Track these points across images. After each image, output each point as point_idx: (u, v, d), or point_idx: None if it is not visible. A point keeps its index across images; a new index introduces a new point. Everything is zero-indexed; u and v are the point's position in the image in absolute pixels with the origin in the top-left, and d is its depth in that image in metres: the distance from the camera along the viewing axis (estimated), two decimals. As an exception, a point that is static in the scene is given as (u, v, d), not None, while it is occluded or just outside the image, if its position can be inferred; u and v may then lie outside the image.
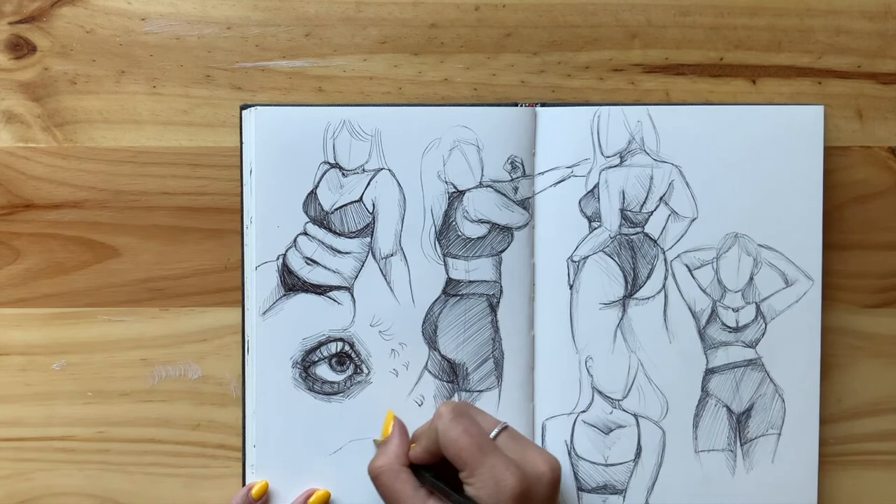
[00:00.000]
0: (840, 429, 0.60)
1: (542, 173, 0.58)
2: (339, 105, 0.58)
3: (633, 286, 0.58)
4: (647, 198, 0.58)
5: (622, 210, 0.58)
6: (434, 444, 0.52)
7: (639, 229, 0.58)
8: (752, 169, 0.58)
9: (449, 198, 0.58)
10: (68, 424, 0.59)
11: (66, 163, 0.59)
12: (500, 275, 0.58)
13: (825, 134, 0.58)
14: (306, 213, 0.57)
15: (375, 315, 0.58)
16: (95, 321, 0.59)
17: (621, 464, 0.59)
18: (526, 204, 0.58)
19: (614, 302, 0.58)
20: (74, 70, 0.58)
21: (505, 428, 0.53)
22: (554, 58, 0.59)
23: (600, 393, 0.58)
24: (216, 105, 0.59)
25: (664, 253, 0.58)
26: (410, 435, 0.56)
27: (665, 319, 0.59)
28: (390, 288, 0.58)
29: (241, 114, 0.58)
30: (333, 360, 0.58)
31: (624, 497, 0.59)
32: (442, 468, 0.52)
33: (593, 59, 0.59)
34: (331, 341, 0.58)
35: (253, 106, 0.57)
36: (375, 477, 0.53)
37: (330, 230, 0.58)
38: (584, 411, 0.58)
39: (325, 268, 0.57)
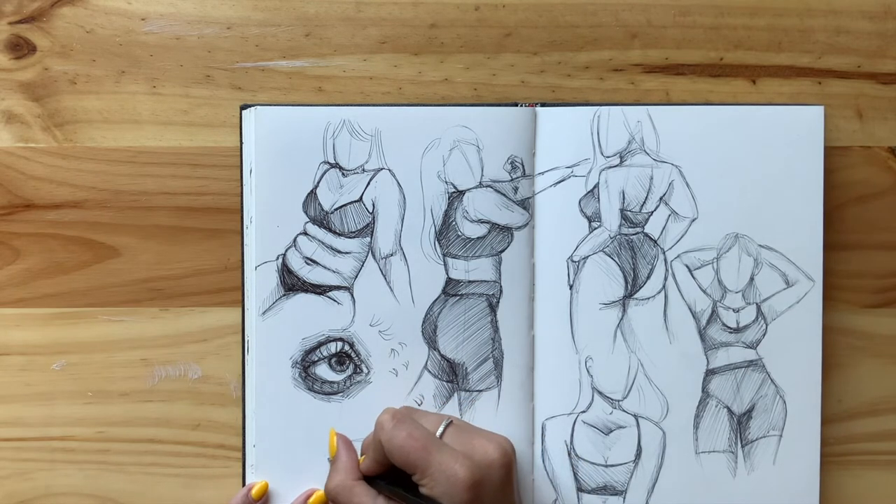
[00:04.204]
0: (840, 429, 0.60)
1: (542, 173, 0.58)
2: (339, 105, 0.58)
3: (633, 286, 0.58)
4: (647, 198, 0.58)
5: (622, 210, 0.58)
6: (381, 454, 0.52)
7: (639, 229, 0.58)
8: (752, 169, 0.58)
9: (449, 198, 0.58)
10: (68, 424, 0.59)
11: (66, 163, 0.59)
12: (499, 275, 0.58)
13: (825, 134, 0.58)
14: (306, 213, 0.57)
15: (375, 315, 0.58)
16: (95, 321, 0.59)
17: (621, 464, 0.58)
18: (526, 204, 0.58)
19: (614, 302, 0.58)
20: (74, 70, 0.59)
21: (450, 423, 0.53)
22: (554, 58, 0.59)
23: (600, 393, 0.58)
24: (216, 105, 0.59)
25: (664, 253, 0.58)
26: (358, 446, 0.56)
27: (665, 320, 0.59)
28: (390, 288, 0.58)
29: (241, 114, 0.58)
30: (333, 360, 0.58)
31: (624, 498, 0.58)
32: (396, 473, 0.52)
33: (593, 59, 0.59)
34: (330, 341, 0.58)
35: (253, 106, 0.57)
36: (332, 498, 0.53)
37: (330, 230, 0.58)
38: (584, 411, 0.58)
39: (325, 268, 0.57)
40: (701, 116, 0.58)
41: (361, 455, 0.55)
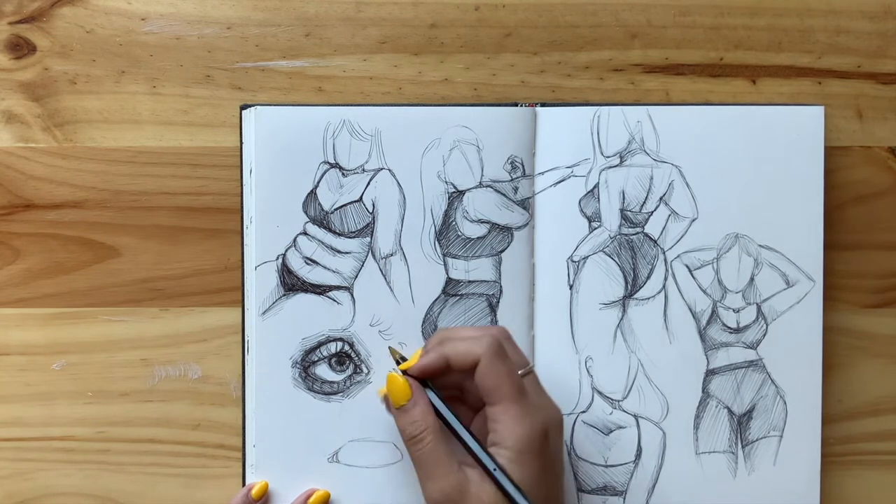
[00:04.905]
0: (840, 429, 0.60)
1: (542, 173, 0.58)
2: (339, 105, 0.58)
3: (633, 286, 0.58)
4: (647, 198, 0.58)
5: (622, 210, 0.58)
6: (461, 361, 0.51)
7: (639, 229, 0.58)
8: (752, 169, 0.58)
9: (449, 198, 0.58)
10: (68, 424, 0.59)
11: (66, 163, 0.59)
12: (499, 275, 0.58)
13: (825, 134, 0.58)
14: (306, 213, 0.57)
15: (375, 315, 0.58)
16: (95, 321, 0.59)
17: (621, 465, 0.58)
18: (526, 204, 0.58)
19: (614, 302, 0.58)
20: (74, 70, 0.59)
21: (531, 371, 0.53)
22: (554, 58, 0.59)
23: (600, 393, 0.58)
24: (216, 105, 0.59)
25: (664, 253, 0.58)
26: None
27: (665, 320, 0.58)
28: (390, 288, 0.58)
29: (241, 114, 0.58)
30: (333, 360, 0.58)
31: (624, 499, 0.58)
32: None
33: (593, 59, 0.59)
34: (330, 341, 0.58)
35: (253, 106, 0.57)
36: (415, 443, 0.51)
37: (330, 230, 0.58)
38: (583, 412, 0.58)
39: (325, 268, 0.57)
40: (701, 116, 0.58)
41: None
